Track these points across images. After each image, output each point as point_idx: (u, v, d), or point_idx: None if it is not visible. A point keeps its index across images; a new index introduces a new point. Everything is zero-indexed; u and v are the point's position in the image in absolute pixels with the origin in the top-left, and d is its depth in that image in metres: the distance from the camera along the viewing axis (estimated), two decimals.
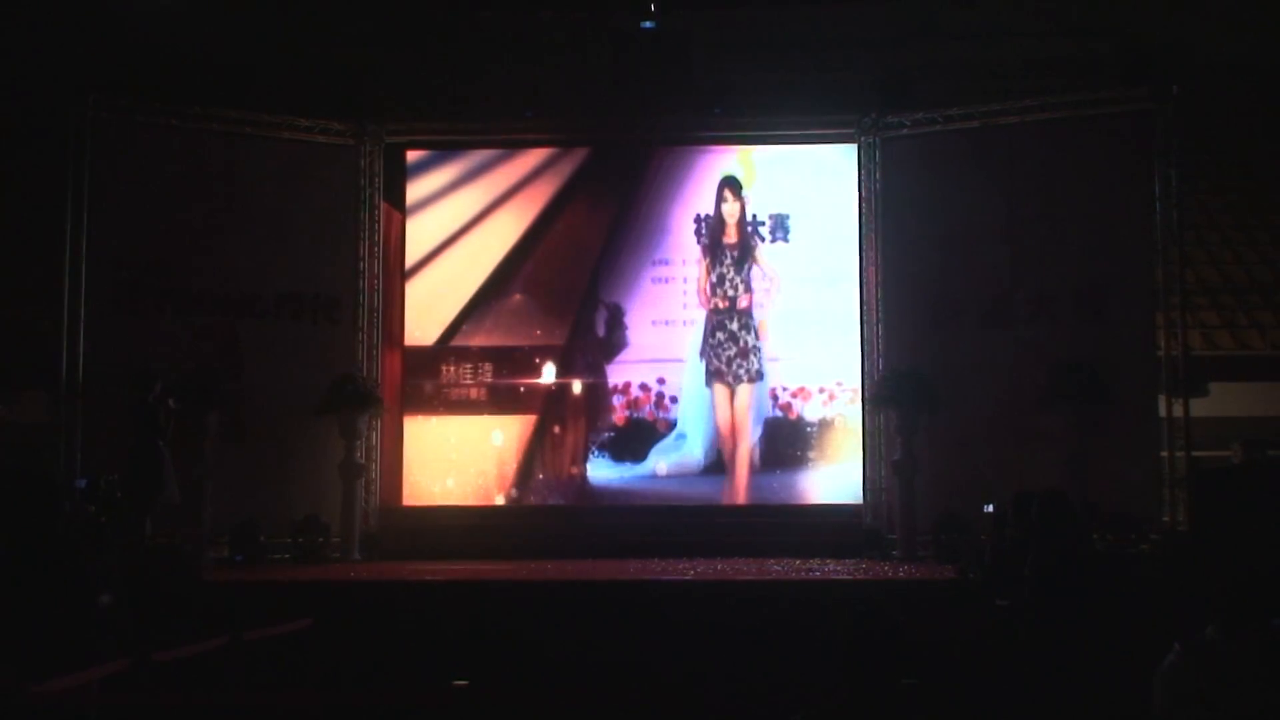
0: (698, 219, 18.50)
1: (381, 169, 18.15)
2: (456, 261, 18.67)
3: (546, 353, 18.55)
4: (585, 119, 18.61)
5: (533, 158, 18.90)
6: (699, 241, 18.51)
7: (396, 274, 18.59)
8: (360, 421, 17.10)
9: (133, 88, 16.96)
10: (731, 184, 18.53)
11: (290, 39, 17.47)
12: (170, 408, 15.02)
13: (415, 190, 18.77)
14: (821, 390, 18.18)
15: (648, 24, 17.21)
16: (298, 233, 17.52)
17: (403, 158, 18.73)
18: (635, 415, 18.38)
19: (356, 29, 17.35)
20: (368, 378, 17.52)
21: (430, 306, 18.66)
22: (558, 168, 18.85)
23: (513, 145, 18.95)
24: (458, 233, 18.69)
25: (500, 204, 18.73)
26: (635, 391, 18.39)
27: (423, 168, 18.87)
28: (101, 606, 8.54)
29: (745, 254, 18.46)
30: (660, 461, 18.27)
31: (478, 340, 18.56)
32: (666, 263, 18.56)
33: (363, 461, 17.24)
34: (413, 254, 18.70)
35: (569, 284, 18.67)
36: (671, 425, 18.32)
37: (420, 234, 18.71)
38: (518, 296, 18.58)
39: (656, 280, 18.54)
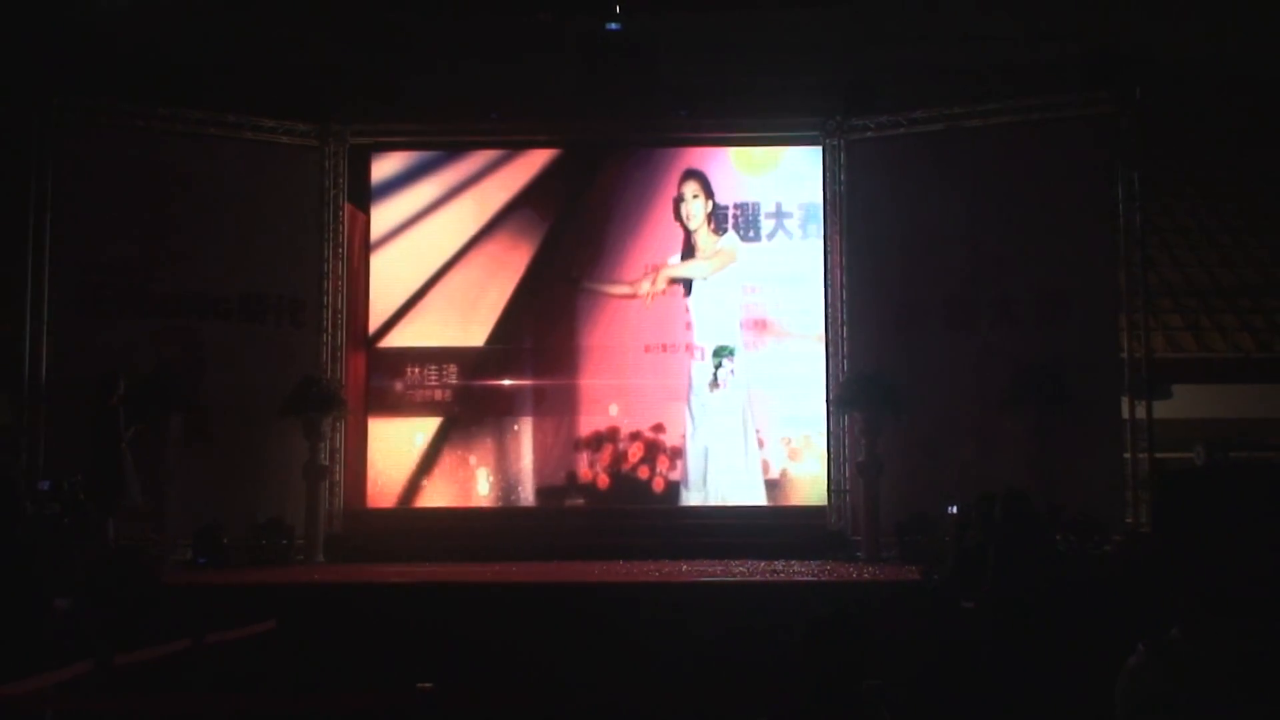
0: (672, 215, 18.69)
1: (346, 170, 18.12)
2: (421, 262, 18.69)
3: (511, 354, 18.60)
4: (551, 121, 18.62)
5: (498, 159, 18.95)
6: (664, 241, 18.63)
7: (361, 275, 18.58)
8: (324, 423, 17.07)
9: (96, 88, 16.86)
10: (698, 178, 18.64)
11: (254, 39, 17.39)
12: (131, 410, 14.96)
13: (380, 191, 18.80)
14: (787, 391, 18.24)
15: (613, 26, 17.18)
16: (262, 234, 17.46)
17: (367, 159, 18.74)
18: (599, 417, 18.41)
19: (321, 30, 17.27)
20: (331, 379, 17.48)
21: (393, 307, 18.63)
22: (524, 169, 18.91)
23: (478, 147, 19.03)
24: (423, 235, 18.71)
25: (465, 206, 18.79)
26: (599, 393, 18.41)
27: (388, 168, 18.91)
28: (61, 610, 8.52)
29: (707, 252, 18.57)
30: (627, 463, 18.29)
31: (443, 342, 18.54)
32: (632, 263, 18.61)
33: (326, 464, 17.21)
34: (377, 255, 18.70)
35: (534, 286, 18.67)
36: (638, 429, 18.33)
37: (386, 235, 18.73)
38: (482, 297, 18.57)
39: (622, 281, 18.56)
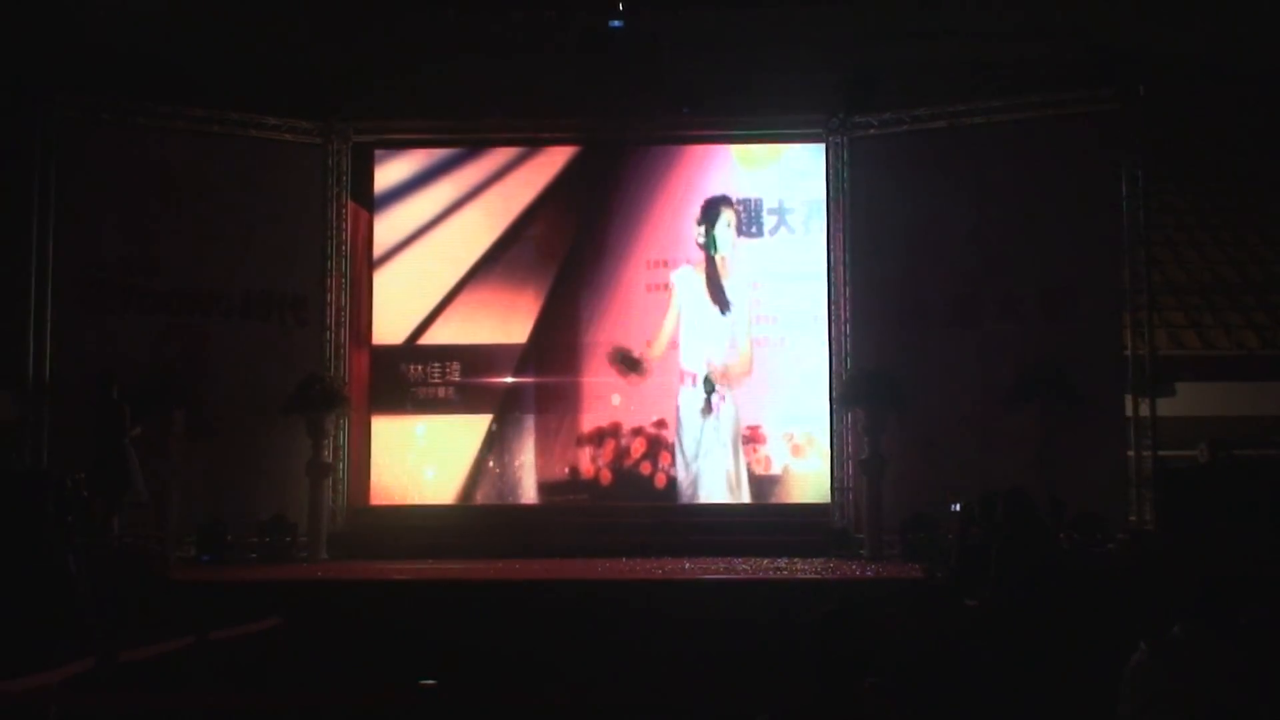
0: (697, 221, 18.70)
1: (349, 168, 18.13)
2: (424, 260, 18.68)
3: (514, 352, 18.55)
4: (554, 119, 18.58)
5: (501, 157, 18.94)
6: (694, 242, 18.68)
7: (364, 273, 18.58)
8: (327, 421, 17.07)
9: (98, 87, 16.88)
10: (726, 203, 18.64)
11: (257, 37, 17.38)
12: (135, 407, 14.95)
13: (383, 189, 18.79)
14: (788, 389, 18.24)
15: (616, 24, 17.19)
16: (265, 232, 17.48)
17: (370, 156, 18.73)
18: (601, 413, 18.41)
19: (324, 27, 17.26)
20: (335, 377, 17.48)
21: (398, 306, 18.65)
22: (526, 167, 18.88)
23: (480, 144, 18.98)
24: (426, 232, 18.70)
25: (469, 204, 18.74)
26: (602, 388, 18.40)
27: (392, 167, 18.90)
28: (70, 606, 8.54)
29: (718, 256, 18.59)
30: (629, 458, 18.29)
31: (445, 339, 18.54)
32: (635, 260, 18.60)
33: (330, 461, 17.21)
34: (381, 253, 18.71)
35: (537, 283, 18.65)
36: (640, 424, 18.33)
37: (389, 233, 18.73)
38: (485, 296, 18.56)
39: (626, 278, 18.57)
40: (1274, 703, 5.22)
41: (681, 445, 18.34)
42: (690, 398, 18.40)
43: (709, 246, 18.63)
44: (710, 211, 18.69)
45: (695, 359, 18.47)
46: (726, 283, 18.57)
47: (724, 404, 18.30)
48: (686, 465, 18.31)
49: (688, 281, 18.60)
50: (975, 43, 17.68)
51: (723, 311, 18.48)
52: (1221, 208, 20.76)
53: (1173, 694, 5.47)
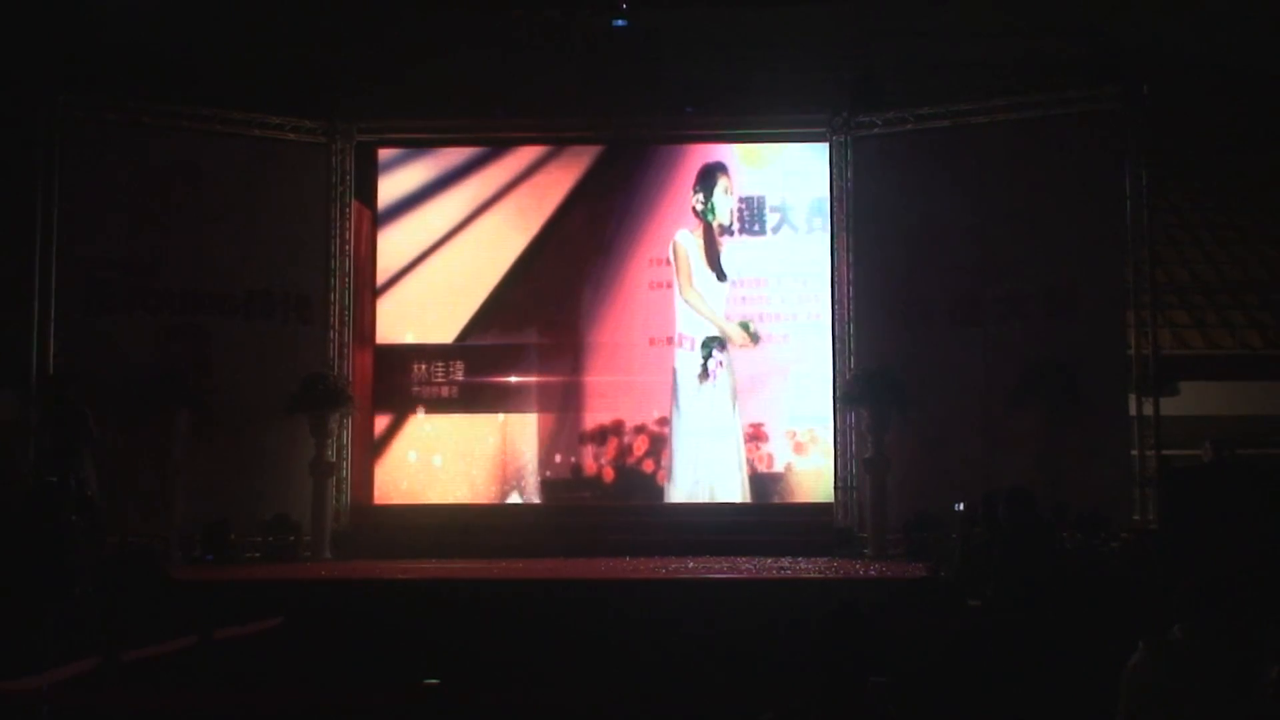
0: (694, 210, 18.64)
1: (353, 167, 18.13)
2: (427, 261, 18.66)
3: (517, 351, 18.54)
4: (557, 118, 18.57)
5: (505, 157, 18.89)
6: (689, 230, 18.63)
7: (367, 273, 18.57)
8: (331, 420, 17.07)
9: (103, 85, 16.89)
10: (726, 173, 18.61)
11: (261, 36, 17.40)
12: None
13: (388, 189, 18.78)
14: (791, 387, 18.22)
15: (619, 23, 17.20)
16: (268, 231, 17.49)
17: (374, 156, 18.71)
18: (604, 412, 18.39)
19: (328, 27, 17.28)
20: (338, 376, 17.48)
21: (401, 305, 18.64)
22: (530, 167, 18.84)
23: (483, 144, 18.96)
24: (429, 232, 18.69)
25: (471, 203, 18.72)
26: (605, 387, 18.38)
27: (397, 168, 18.89)
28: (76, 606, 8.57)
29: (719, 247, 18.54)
30: (632, 456, 18.28)
31: (448, 339, 18.53)
32: (638, 258, 18.59)
33: (333, 460, 17.21)
34: (385, 254, 18.70)
35: (539, 283, 18.65)
36: (642, 422, 18.31)
37: (392, 233, 18.73)
38: (487, 295, 18.55)
39: (629, 275, 18.55)
40: (1272, 703, 5.21)
41: (679, 410, 18.32)
42: (687, 362, 18.39)
43: (706, 214, 18.60)
44: (708, 178, 18.66)
45: (696, 322, 18.50)
46: (723, 251, 18.54)
47: (721, 370, 18.27)
48: (681, 433, 18.30)
49: (687, 244, 18.57)
50: (978, 42, 17.69)
51: (719, 279, 18.46)
52: (1225, 206, 20.77)
53: (1172, 694, 5.47)
